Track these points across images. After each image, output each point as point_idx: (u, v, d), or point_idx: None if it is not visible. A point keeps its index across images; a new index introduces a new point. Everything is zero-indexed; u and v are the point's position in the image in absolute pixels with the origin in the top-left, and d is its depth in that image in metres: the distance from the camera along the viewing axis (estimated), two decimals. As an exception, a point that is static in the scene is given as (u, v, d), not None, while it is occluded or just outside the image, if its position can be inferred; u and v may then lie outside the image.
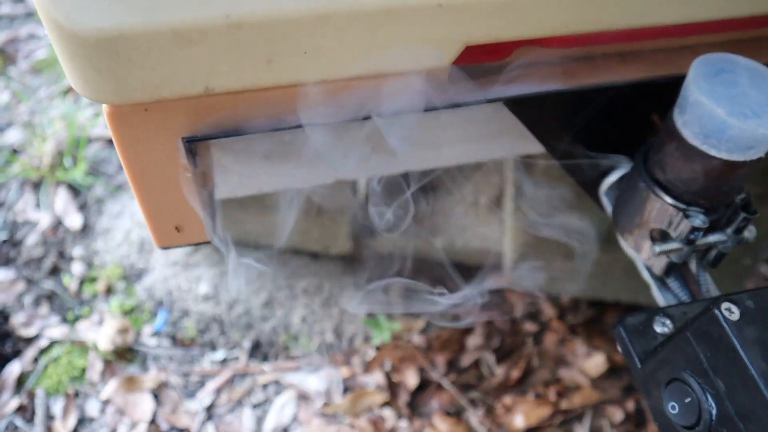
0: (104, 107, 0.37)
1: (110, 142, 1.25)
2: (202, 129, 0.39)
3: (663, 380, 0.40)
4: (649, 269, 0.49)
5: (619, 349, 0.45)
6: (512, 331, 1.00)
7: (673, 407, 0.39)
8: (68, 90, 1.32)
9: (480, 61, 0.41)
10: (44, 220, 1.13)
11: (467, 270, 1.06)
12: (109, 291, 1.06)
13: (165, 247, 0.47)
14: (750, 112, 0.39)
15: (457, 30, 0.35)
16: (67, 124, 1.24)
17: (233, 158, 0.53)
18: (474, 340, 0.98)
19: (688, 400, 0.38)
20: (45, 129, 1.24)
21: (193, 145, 0.41)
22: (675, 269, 0.48)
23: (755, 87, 0.41)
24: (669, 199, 0.44)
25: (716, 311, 0.36)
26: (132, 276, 1.09)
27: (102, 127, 1.25)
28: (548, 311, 1.02)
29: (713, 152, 0.40)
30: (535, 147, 0.56)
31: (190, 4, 0.32)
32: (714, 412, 0.37)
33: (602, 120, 0.49)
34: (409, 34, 0.35)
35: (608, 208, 0.52)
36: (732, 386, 0.36)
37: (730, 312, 0.36)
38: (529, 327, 1.00)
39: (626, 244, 0.50)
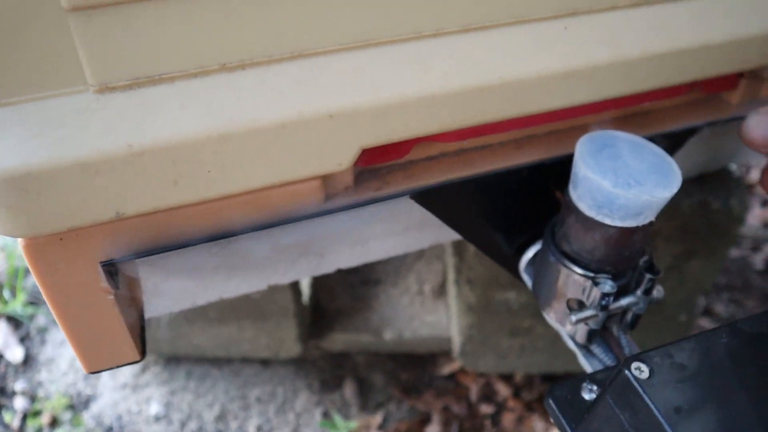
0: (19, 240, 0.38)
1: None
2: (119, 251, 0.41)
3: (592, 444, 0.41)
4: (572, 338, 0.51)
5: (552, 421, 0.46)
6: (470, 414, 1.00)
7: (604, 472, 0.40)
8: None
9: (381, 161, 0.44)
10: (-17, 356, 1.10)
11: (418, 359, 1.07)
12: (54, 423, 1.02)
13: (94, 372, 0.47)
14: (633, 182, 0.42)
15: (349, 136, 0.38)
16: (6, 255, 1.23)
17: (160, 276, 0.54)
18: (433, 429, 0.98)
19: (616, 463, 0.39)
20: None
21: (113, 268, 0.42)
22: (596, 335, 0.50)
23: (636, 158, 0.44)
24: (578, 269, 0.47)
25: (626, 372, 0.38)
26: (79, 404, 1.06)
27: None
28: (503, 391, 1.02)
29: (608, 221, 0.43)
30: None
31: (93, 137, 0.34)
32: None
33: (509, 202, 0.52)
34: (305, 144, 0.37)
35: (529, 283, 0.55)
36: (652, 444, 0.37)
37: (640, 371, 0.38)
38: (486, 409, 1.00)
39: (549, 317, 0.51)
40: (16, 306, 1.15)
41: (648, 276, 0.48)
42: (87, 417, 1.03)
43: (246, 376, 1.05)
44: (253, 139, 0.36)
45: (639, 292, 0.48)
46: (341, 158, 0.39)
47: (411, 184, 0.45)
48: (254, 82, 0.36)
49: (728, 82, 0.54)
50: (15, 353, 1.12)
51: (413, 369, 1.07)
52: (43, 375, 1.09)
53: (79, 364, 1.11)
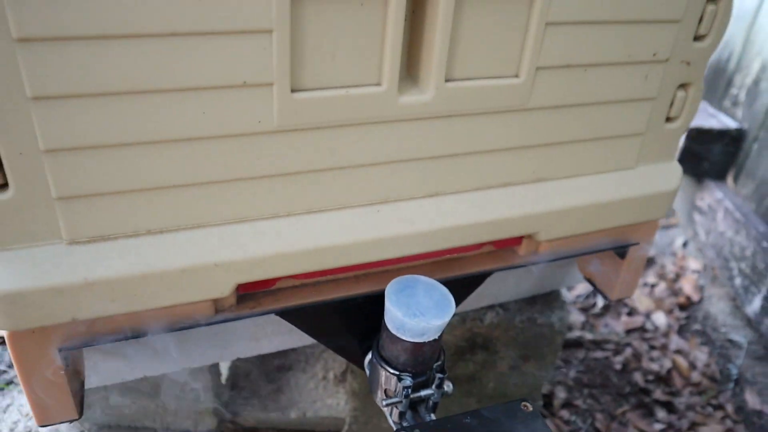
0: (4, 332, 0.58)
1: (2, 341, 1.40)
2: (71, 342, 0.61)
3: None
4: (390, 417, 0.72)
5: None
6: (355, 486, 1.18)
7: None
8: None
9: (255, 289, 0.66)
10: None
11: (317, 436, 1.25)
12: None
13: (43, 425, 0.65)
14: (419, 313, 0.65)
15: (228, 277, 0.60)
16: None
17: (98, 358, 0.74)
18: (321, 497, 1.15)
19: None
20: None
21: (66, 353, 0.62)
22: (405, 415, 0.71)
23: (426, 296, 0.67)
24: (389, 369, 0.68)
25: (395, 438, 0.59)
26: (18, 467, 1.20)
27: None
28: (385, 466, 1.21)
29: (404, 338, 0.65)
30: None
31: (62, 274, 0.55)
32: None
33: (353, 320, 0.74)
34: (200, 280, 0.59)
35: (367, 375, 0.76)
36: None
37: (404, 438, 0.59)
38: (369, 482, 1.18)
39: (376, 400, 0.72)
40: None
41: (439, 375, 0.69)
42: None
43: (168, 445, 1.22)
44: (164, 278, 0.58)
45: (433, 386, 0.70)
46: (223, 289, 0.60)
47: (277, 305, 0.67)
48: (167, 242, 0.58)
49: (515, 240, 0.78)
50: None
51: (312, 445, 1.25)
52: (-15, 437, 1.23)
53: (20, 427, 1.26)
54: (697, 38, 0.71)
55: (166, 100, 0.51)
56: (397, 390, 0.68)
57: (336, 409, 1.25)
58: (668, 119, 0.77)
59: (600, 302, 1.70)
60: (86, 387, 0.76)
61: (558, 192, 0.73)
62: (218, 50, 0.50)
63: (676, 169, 0.81)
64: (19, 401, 1.31)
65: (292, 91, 0.55)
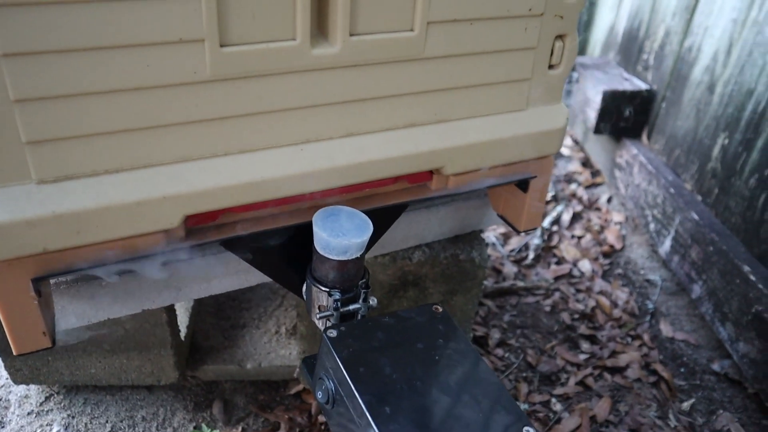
0: (-17, 264, 0.68)
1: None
2: (43, 272, 0.71)
3: (316, 378, 0.74)
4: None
5: (304, 379, 0.78)
6: (309, 423, 1.30)
7: (319, 394, 0.72)
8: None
9: (201, 223, 0.77)
10: None
11: (273, 383, 1.36)
12: (-30, 441, 1.24)
13: (21, 353, 0.75)
14: (341, 234, 0.76)
15: (177, 208, 0.71)
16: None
17: (66, 300, 0.84)
18: (279, 433, 1.27)
19: (323, 387, 0.72)
20: None
21: (38, 283, 0.72)
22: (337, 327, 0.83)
23: (348, 220, 0.79)
24: (321, 287, 0.80)
25: (324, 334, 0.71)
26: (-10, 431, 1.29)
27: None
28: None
29: (330, 256, 0.77)
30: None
31: (33, 207, 0.65)
32: (333, 390, 0.71)
33: (290, 251, 0.86)
34: (152, 213, 0.70)
35: (304, 300, 0.88)
36: (335, 371, 0.70)
37: (332, 332, 0.71)
38: (322, 418, 1.30)
39: (312, 318, 0.84)
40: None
41: (364, 291, 0.82)
42: (-3, 440, 1.26)
43: (134, 400, 1.32)
44: (121, 210, 0.68)
45: (360, 300, 0.82)
46: (173, 220, 0.71)
47: (221, 236, 0.78)
48: (123, 179, 0.68)
49: (425, 176, 0.91)
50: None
51: (269, 392, 1.36)
52: (-41, 408, 1.31)
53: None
54: (566, -7, 0.84)
55: (116, 55, 0.62)
56: (329, 304, 0.80)
57: (288, 359, 1.36)
58: (551, 66, 0.90)
59: (531, 254, 1.85)
60: (56, 330, 0.86)
61: (458, 130, 0.86)
62: (157, 12, 0.61)
63: (563, 110, 0.95)
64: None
65: (221, 45, 0.66)
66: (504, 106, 0.89)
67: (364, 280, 0.83)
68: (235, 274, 0.96)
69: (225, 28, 0.66)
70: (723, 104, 1.63)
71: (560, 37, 0.88)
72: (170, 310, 1.17)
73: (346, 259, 0.78)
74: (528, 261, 1.83)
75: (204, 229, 0.79)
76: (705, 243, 1.57)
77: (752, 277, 1.39)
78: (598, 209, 2.09)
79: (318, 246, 0.77)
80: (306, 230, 0.82)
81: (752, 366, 1.38)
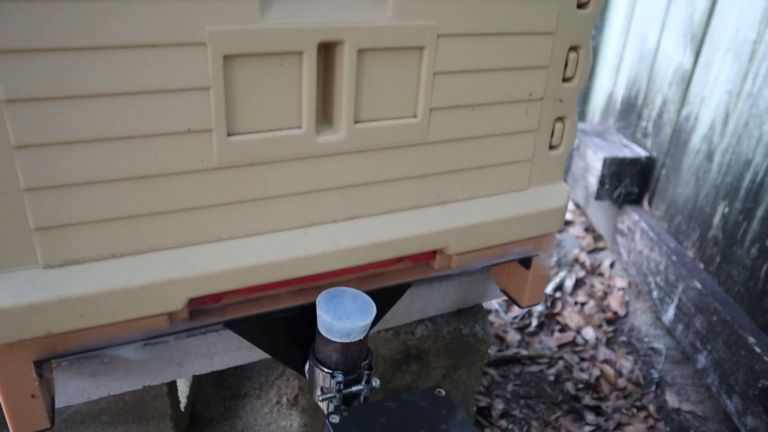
0: (-12, 349, 0.68)
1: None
2: (47, 354, 0.71)
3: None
4: (327, 411, 0.83)
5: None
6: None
7: (320, 481, 0.71)
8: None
9: (204, 304, 0.77)
10: None
11: (272, 455, 1.33)
12: None
13: (19, 434, 0.75)
14: (345, 317, 0.77)
15: (181, 291, 0.71)
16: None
17: (66, 377, 0.84)
18: None
19: (325, 474, 0.71)
20: None
21: (39, 365, 0.72)
22: (339, 409, 0.82)
23: (352, 302, 0.79)
24: (323, 368, 0.80)
25: (326, 420, 0.71)
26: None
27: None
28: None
29: (333, 338, 0.77)
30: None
31: (38, 291, 0.66)
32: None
33: (292, 331, 0.86)
34: (156, 296, 0.70)
35: (307, 379, 0.87)
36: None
37: (334, 418, 0.71)
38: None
39: (315, 399, 0.84)
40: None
41: (366, 372, 0.81)
42: None
43: (131, 473, 1.30)
44: (126, 294, 0.69)
45: (363, 382, 0.82)
46: (177, 303, 0.72)
47: (225, 317, 0.79)
48: (128, 263, 0.69)
49: (429, 255, 0.91)
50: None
51: (269, 465, 1.34)
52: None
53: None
54: (566, 80, 0.87)
55: (125, 144, 0.63)
56: (331, 386, 0.80)
57: (289, 430, 1.34)
58: (551, 147, 0.92)
59: (534, 321, 1.85)
60: (57, 406, 0.85)
61: (461, 211, 0.87)
62: (166, 104, 0.63)
63: (564, 188, 0.96)
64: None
65: (228, 134, 0.68)
66: (506, 186, 0.90)
67: (367, 361, 0.82)
68: (238, 350, 0.96)
69: (233, 118, 0.67)
70: (722, 173, 1.65)
71: (560, 118, 0.90)
72: (171, 382, 1.16)
73: (349, 341, 0.78)
74: (531, 328, 1.82)
75: (207, 309, 0.79)
76: (709, 312, 1.56)
77: (758, 349, 1.38)
78: (601, 275, 2.09)
79: (321, 328, 0.78)
80: (309, 310, 0.83)
81: (761, 441, 1.36)
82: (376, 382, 0.83)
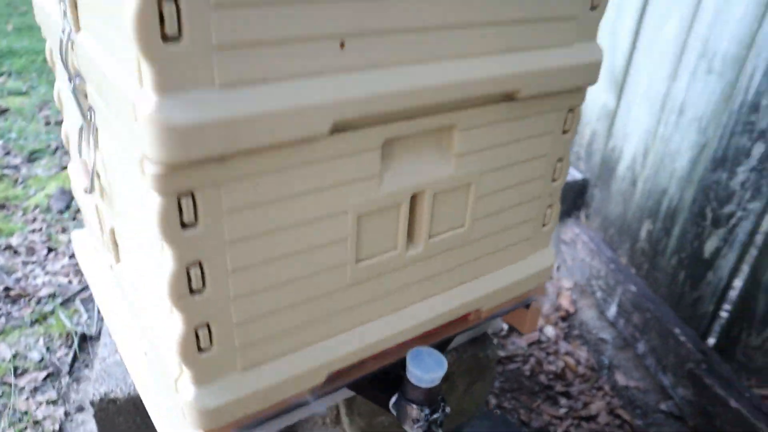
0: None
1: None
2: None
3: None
4: (416, 435, 1.18)
5: (410, 470, 1.11)
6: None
7: (431, 484, 1.06)
8: None
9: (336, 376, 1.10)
10: None
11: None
12: None
13: None
14: (428, 370, 1.11)
15: (323, 370, 1.04)
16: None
17: (230, 432, 1.15)
18: (344, 508, 1.58)
19: (434, 479, 1.06)
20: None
21: (231, 432, 1.03)
22: (424, 432, 1.17)
23: (429, 357, 1.14)
24: (414, 406, 1.14)
25: (433, 443, 1.05)
26: None
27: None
28: (383, 477, 1.65)
29: (422, 386, 1.12)
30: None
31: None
32: (443, 480, 1.05)
33: (382, 378, 1.20)
34: (302, 382, 1.03)
35: (394, 413, 1.21)
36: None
37: (438, 442, 1.06)
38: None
39: (406, 427, 1.18)
40: None
41: (442, 403, 1.16)
42: None
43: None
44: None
45: (440, 411, 1.17)
46: (320, 378, 1.04)
47: (348, 379, 1.12)
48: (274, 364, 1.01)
49: (467, 314, 1.27)
50: None
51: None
52: None
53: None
54: (554, 180, 1.24)
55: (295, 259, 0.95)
56: (421, 418, 1.15)
57: (338, 443, 1.68)
58: (543, 225, 1.29)
59: (506, 326, 2.25)
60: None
61: (490, 282, 1.23)
62: (318, 253, 0.95)
63: (551, 250, 1.34)
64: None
65: (356, 261, 1.01)
66: (516, 258, 1.27)
67: (441, 395, 1.18)
68: (332, 394, 1.29)
69: (360, 251, 1.00)
70: (645, 197, 2.08)
71: (550, 206, 1.28)
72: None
73: (431, 386, 1.13)
74: (503, 332, 2.22)
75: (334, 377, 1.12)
76: (643, 309, 2.00)
77: (682, 338, 1.82)
78: (551, 277, 2.51)
79: (412, 379, 1.12)
80: (394, 365, 1.17)
81: (689, 405, 1.81)
82: (447, 409, 1.19)
